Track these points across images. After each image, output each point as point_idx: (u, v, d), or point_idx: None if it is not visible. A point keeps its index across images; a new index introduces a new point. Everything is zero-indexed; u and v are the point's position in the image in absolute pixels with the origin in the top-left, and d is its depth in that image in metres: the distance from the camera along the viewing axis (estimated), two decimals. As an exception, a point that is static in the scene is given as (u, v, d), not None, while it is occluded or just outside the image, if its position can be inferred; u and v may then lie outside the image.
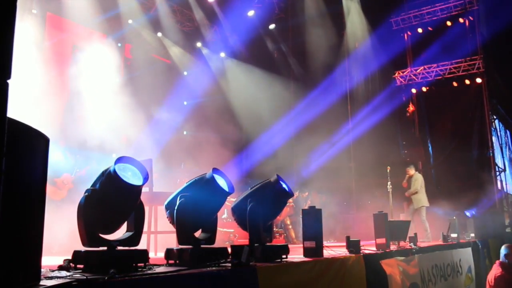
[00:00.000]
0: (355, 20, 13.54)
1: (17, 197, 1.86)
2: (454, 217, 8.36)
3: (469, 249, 7.90)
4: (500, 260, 6.59)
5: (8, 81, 1.49)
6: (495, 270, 6.47)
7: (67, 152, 8.04)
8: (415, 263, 5.72)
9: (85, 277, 2.29)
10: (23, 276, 1.98)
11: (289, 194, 4.16)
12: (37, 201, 2.16)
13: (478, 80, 12.37)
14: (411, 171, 9.98)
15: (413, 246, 6.15)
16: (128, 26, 11.42)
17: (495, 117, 13.30)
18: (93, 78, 8.69)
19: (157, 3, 11.79)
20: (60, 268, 2.74)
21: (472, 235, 8.92)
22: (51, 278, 2.33)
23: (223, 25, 13.29)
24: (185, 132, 11.75)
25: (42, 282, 2.16)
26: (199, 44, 13.59)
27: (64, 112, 8.86)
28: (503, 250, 6.67)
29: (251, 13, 13.02)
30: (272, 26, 13.93)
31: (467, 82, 12.60)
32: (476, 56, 12.40)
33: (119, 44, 10.60)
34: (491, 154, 12.20)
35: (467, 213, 9.84)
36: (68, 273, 2.54)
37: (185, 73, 13.31)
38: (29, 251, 2.07)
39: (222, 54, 13.94)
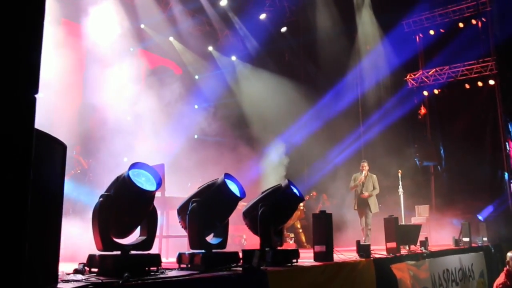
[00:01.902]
0: (366, 23, 13.51)
1: (38, 204, 1.93)
2: (466, 221, 8.24)
3: (482, 254, 7.81)
4: (506, 266, 6.42)
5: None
6: (500, 278, 6.34)
7: (79, 155, 8.19)
8: (426, 267, 5.70)
9: (100, 281, 2.37)
10: (43, 279, 2.06)
11: (300, 199, 4.19)
12: (55, 207, 2.23)
13: (491, 82, 12.23)
14: (367, 168, 9.01)
15: (424, 250, 6.12)
16: (140, 30, 11.55)
17: (508, 119, 13.13)
18: (105, 82, 8.79)
19: (169, 7, 11.92)
20: (76, 271, 2.82)
21: (485, 239, 8.76)
22: (67, 281, 2.41)
23: (234, 28, 13.37)
24: (196, 136, 11.82)
25: (59, 285, 2.25)
26: (210, 48, 13.69)
27: (77, 117, 8.99)
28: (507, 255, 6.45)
29: (262, 16, 13.10)
30: (283, 29, 13.96)
31: (480, 84, 12.45)
32: (489, 58, 12.25)
33: (131, 49, 10.72)
34: (504, 157, 12.04)
35: (480, 217, 9.71)
36: (83, 277, 2.62)
37: (196, 77, 13.41)
38: (49, 255, 2.15)
39: (234, 58, 14.03)
